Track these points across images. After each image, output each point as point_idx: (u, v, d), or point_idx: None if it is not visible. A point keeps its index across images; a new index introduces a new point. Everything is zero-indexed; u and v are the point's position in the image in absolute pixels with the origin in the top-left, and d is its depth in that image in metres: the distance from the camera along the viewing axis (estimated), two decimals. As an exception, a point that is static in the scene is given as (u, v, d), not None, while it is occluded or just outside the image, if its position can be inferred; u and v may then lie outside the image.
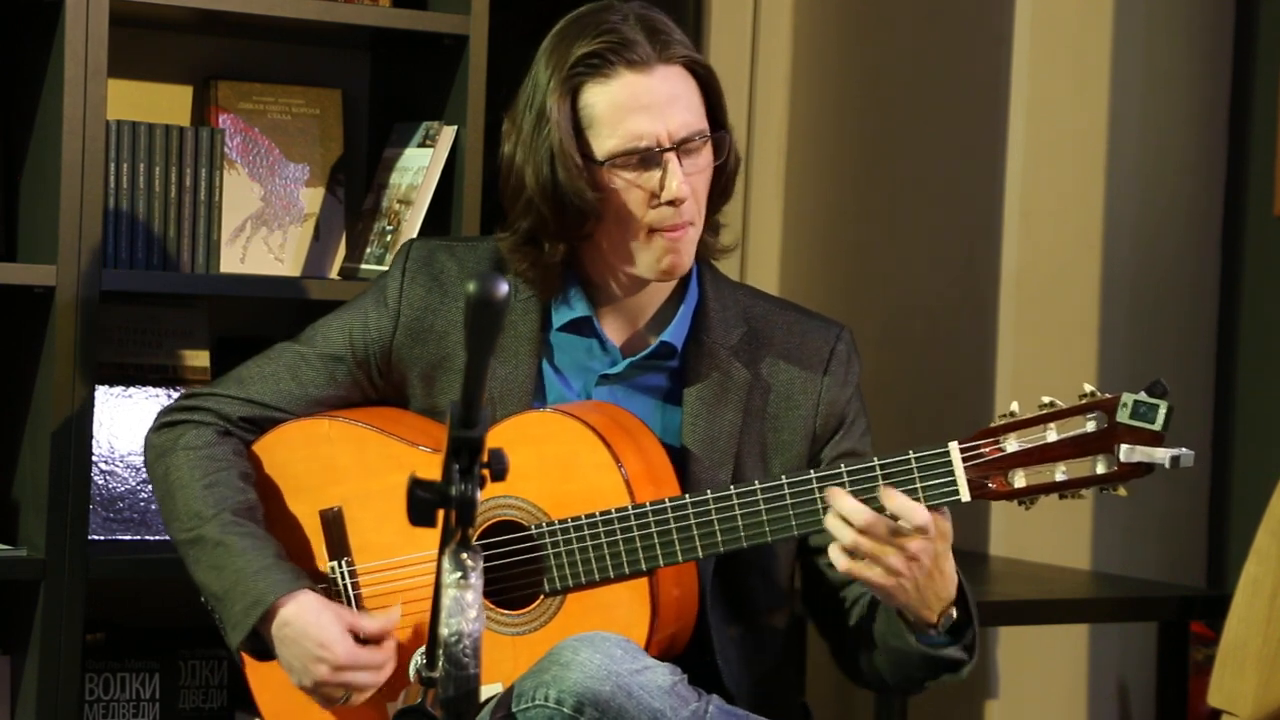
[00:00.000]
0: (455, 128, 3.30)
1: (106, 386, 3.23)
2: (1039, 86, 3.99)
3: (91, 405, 3.07)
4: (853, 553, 2.40)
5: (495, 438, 2.54)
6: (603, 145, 2.53)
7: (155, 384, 3.28)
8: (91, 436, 3.08)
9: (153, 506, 3.24)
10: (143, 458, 2.75)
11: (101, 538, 3.21)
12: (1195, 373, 4.08)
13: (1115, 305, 4.03)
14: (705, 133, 2.55)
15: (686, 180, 2.53)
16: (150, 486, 3.22)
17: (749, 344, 2.64)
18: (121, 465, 3.23)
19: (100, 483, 3.21)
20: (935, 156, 4.20)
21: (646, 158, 2.52)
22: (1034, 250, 4.00)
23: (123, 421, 3.24)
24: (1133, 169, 4.03)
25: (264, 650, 2.60)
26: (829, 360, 2.66)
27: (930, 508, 2.40)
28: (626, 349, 2.64)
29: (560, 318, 2.62)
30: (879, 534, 2.38)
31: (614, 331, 2.63)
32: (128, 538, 3.23)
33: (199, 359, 3.34)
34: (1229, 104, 4.08)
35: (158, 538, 3.24)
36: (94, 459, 3.17)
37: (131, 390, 3.26)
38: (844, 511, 2.40)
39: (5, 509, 3.19)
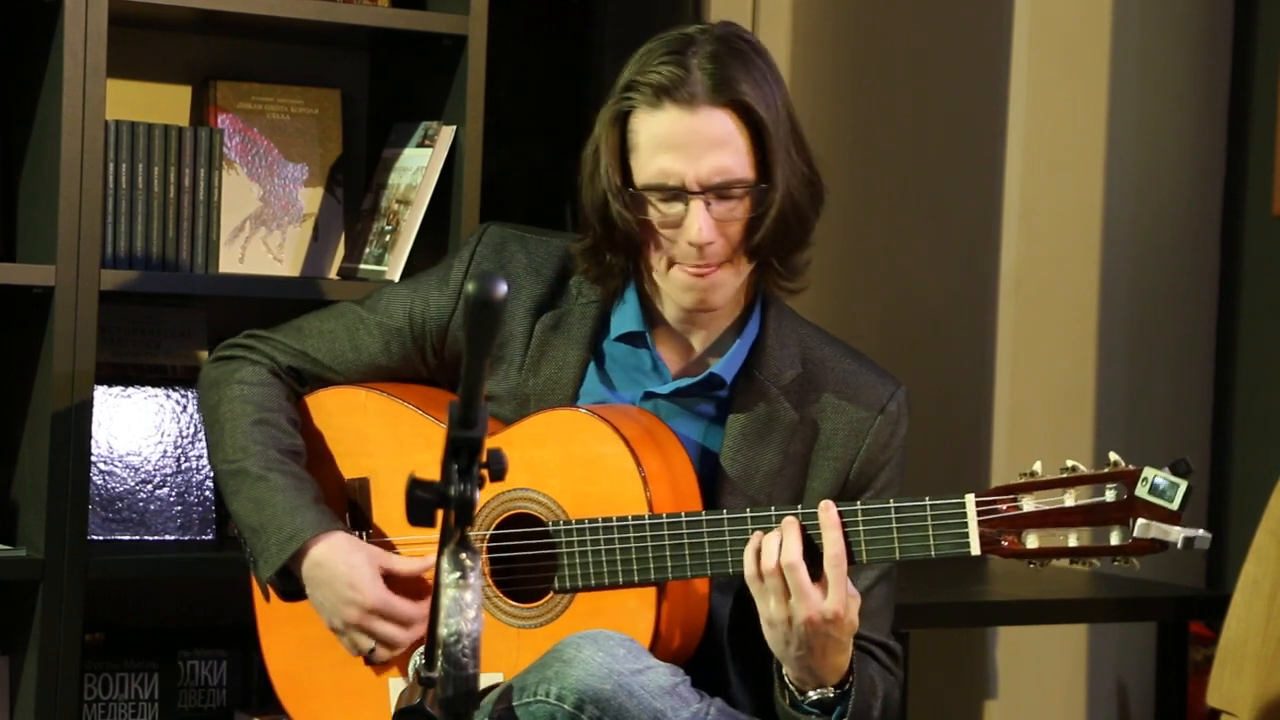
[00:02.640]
0: (454, 128, 3.30)
1: (105, 386, 3.23)
2: (1039, 86, 3.98)
3: (90, 405, 3.07)
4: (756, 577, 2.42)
5: (525, 431, 2.56)
6: (638, 174, 2.53)
7: (154, 384, 3.28)
8: (90, 437, 3.08)
9: (152, 506, 3.24)
10: (197, 386, 2.80)
11: (101, 538, 3.21)
12: (1195, 372, 4.08)
13: (1115, 305, 4.03)
14: (744, 182, 2.50)
15: (720, 226, 2.50)
16: (147, 488, 3.23)
17: (800, 386, 2.62)
18: (121, 465, 3.23)
19: (99, 483, 3.21)
20: (935, 156, 4.20)
21: (674, 195, 2.51)
22: (1034, 250, 4.00)
23: (122, 421, 3.24)
24: (1132, 169, 4.03)
25: (292, 590, 2.61)
26: (877, 418, 2.62)
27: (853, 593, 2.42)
28: (678, 373, 2.63)
29: (618, 327, 2.63)
30: (792, 580, 2.39)
31: (667, 352, 2.63)
32: (127, 538, 3.23)
33: (198, 359, 3.34)
34: (1228, 104, 4.08)
35: (157, 538, 3.24)
36: (93, 459, 3.17)
37: (130, 390, 3.26)
38: (784, 541, 2.40)
39: (5, 509, 3.19)
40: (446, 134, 3.30)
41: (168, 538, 3.25)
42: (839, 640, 2.42)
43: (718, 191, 2.49)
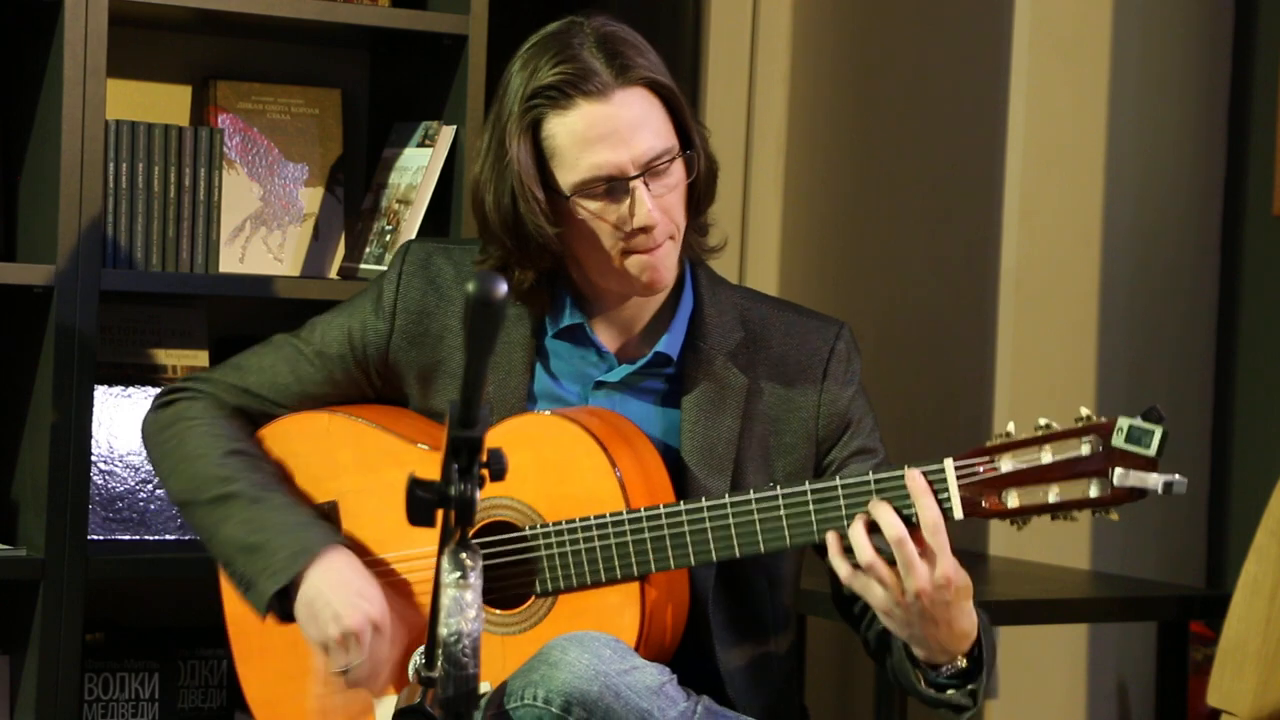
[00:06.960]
0: (454, 127, 3.30)
1: (105, 386, 3.23)
2: (1038, 87, 3.99)
3: (90, 405, 3.07)
4: (858, 565, 2.39)
5: (492, 439, 2.53)
6: (566, 178, 2.50)
7: (154, 384, 3.28)
8: (91, 436, 3.08)
9: (152, 506, 3.23)
10: (141, 434, 2.73)
11: (101, 538, 3.21)
12: (1194, 373, 4.08)
13: (1114, 305, 4.03)
14: (672, 152, 2.51)
15: (657, 202, 2.50)
16: (148, 488, 3.23)
17: (746, 348, 2.62)
18: (121, 465, 3.23)
19: (100, 483, 3.21)
20: (935, 157, 4.20)
21: (613, 187, 2.49)
22: (1033, 250, 4.00)
23: (122, 421, 3.24)
24: (1132, 169, 4.03)
25: (287, 612, 2.56)
26: (828, 360, 2.64)
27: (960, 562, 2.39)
28: (622, 356, 2.62)
29: (554, 326, 2.62)
30: (901, 556, 2.36)
31: (609, 339, 2.62)
32: (127, 538, 3.23)
33: (198, 359, 3.34)
34: (1228, 104, 4.09)
35: (157, 538, 3.24)
36: (93, 459, 3.17)
37: (131, 390, 3.26)
38: (880, 520, 2.37)
39: (5, 509, 3.19)
40: (446, 134, 3.30)
41: (168, 538, 3.25)
42: (961, 605, 2.40)
43: (652, 169, 2.49)
